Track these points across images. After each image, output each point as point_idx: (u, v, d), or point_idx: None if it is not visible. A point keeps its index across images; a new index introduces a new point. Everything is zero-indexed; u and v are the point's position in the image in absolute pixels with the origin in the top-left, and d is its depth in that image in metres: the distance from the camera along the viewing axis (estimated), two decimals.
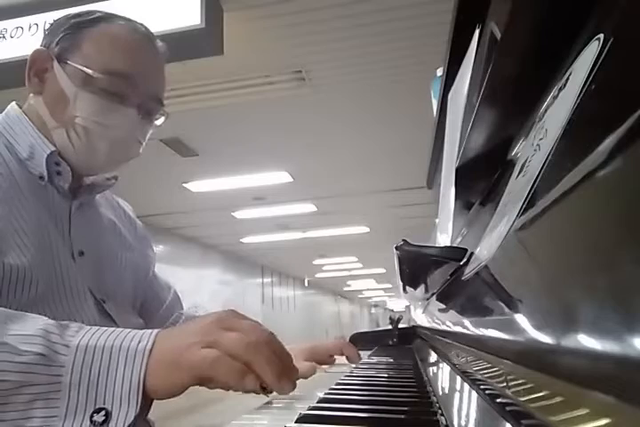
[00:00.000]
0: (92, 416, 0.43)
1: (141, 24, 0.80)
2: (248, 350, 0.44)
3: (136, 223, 0.97)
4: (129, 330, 0.48)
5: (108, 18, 0.77)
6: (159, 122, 0.82)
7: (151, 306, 0.92)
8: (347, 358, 0.93)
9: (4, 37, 2.45)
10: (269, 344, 0.46)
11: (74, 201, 0.77)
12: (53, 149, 0.73)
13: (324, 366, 0.88)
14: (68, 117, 0.73)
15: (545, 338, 0.19)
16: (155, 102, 0.79)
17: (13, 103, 0.78)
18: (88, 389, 0.44)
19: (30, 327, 0.47)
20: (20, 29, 2.44)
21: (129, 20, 0.79)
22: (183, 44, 2.15)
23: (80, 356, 0.45)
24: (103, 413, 0.43)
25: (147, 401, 0.45)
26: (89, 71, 0.71)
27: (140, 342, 0.46)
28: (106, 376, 0.44)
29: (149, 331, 0.48)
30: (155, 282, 0.96)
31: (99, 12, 0.78)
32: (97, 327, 0.49)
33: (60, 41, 0.74)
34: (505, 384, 0.24)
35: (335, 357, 0.92)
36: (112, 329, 0.48)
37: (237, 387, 0.44)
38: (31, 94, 0.76)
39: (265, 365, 0.44)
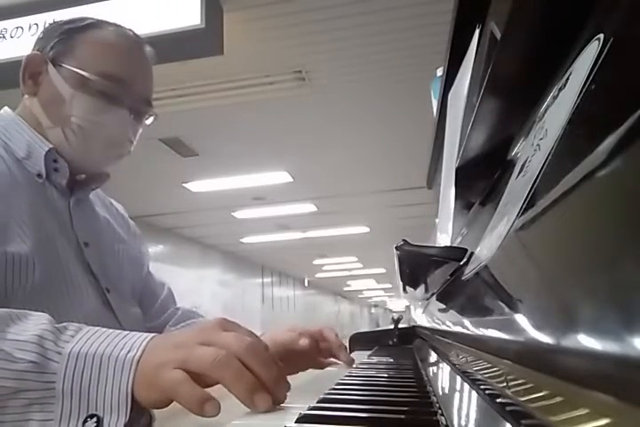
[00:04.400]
0: (85, 421, 0.44)
1: (130, 29, 0.83)
2: (212, 368, 0.43)
3: (129, 222, 1.00)
4: (123, 335, 0.49)
5: (98, 24, 0.81)
6: (149, 122, 0.86)
7: (147, 302, 0.95)
8: (336, 356, 0.81)
9: (3, 37, 2.45)
10: (244, 355, 0.44)
11: (71, 197, 0.80)
12: (51, 146, 0.75)
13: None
14: (64, 117, 0.76)
15: (545, 338, 0.19)
16: (144, 104, 0.83)
17: (6, 108, 0.81)
18: (80, 396, 0.45)
19: (27, 333, 0.48)
20: (19, 29, 2.44)
21: (118, 25, 0.83)
22: (183, 44, 2.15)
23: (72, 363, 0.46)
24: (95, 419, 0.44)
25: (139, 408, 0.45)
26: (84, 73, 0.75)
27: (129, 351, 0.46)
28: (96, 384, 0.45)
29: (141, 339, 0.48)
30: (150, 279, 0.98)
31: (90, 18, 0.82)
32: (94, 330, 0.49)
33: (55, 45, 0.78)
34: (505, 384, 0.24)
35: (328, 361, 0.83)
36: (107, 333, 0.49)
37: (199, 413, 0.42)
38: (25, 96, 0.79)
39: (231, 380, 0.42)
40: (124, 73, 0.77)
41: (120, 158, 0.83)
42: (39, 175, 0.75)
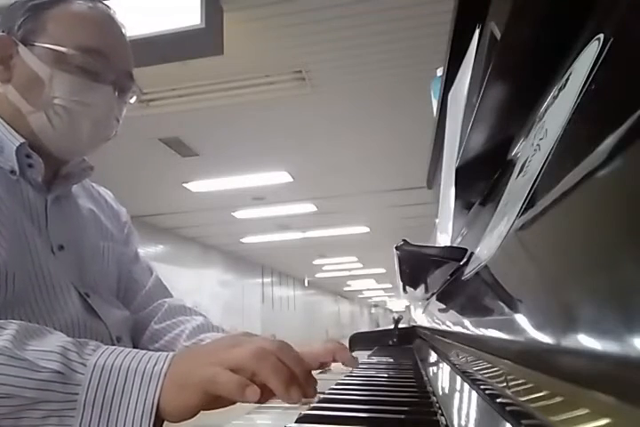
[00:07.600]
0: None
1: (99, 1, 0.78)
2: (252, 360, 0.44)
3: (119, 211, 0.94)
4: (145, 351, 0.49)
5: None
6: (132, 100, 0.81)
7: (130, 291, 0.90)
8: (342, 363, 0.85)
9: None
10: (278, 352, 0.45)
11: (49, 194, 0.75)
12: (22, 140, 0.70)
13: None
14: (46, 99, 0.70)
15: (545, 338, 0.19)
16: (127, 78, 0.78)
17: None
18: (102, 408, 0.44)
19: (49, 343, 0.47)
20: None
21: None
22: (183, 44, 2.15)
23: (97, 375, 0.45)
24: None
25: (158, 423, 0.45)
26: (62, 49, 0.70)
27: (155, 364, 0.46)
28: (120, 397, 0.44)
29: (165, 353, 0.48)
30: (135, 266, 0.92)
31: None
32: (114, 347, 0.49)
33: (22, 24, 0.72)
34: (505, 384, 0.24)
35: (332, 364, 0.84)
36: (129, 350, 0.49)
37: (240, 398, 0.43)
38: None
39: (270, 372, 0.44)
40: (102, 45, 0.73)
41: (106, 140, 0.78)
42: (12, 172, 0.69)
